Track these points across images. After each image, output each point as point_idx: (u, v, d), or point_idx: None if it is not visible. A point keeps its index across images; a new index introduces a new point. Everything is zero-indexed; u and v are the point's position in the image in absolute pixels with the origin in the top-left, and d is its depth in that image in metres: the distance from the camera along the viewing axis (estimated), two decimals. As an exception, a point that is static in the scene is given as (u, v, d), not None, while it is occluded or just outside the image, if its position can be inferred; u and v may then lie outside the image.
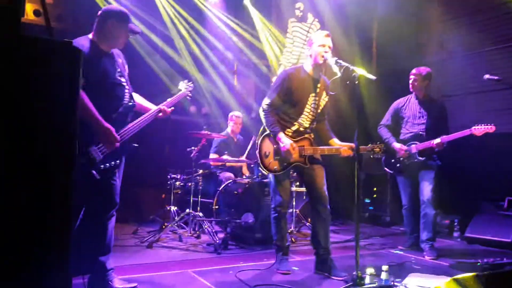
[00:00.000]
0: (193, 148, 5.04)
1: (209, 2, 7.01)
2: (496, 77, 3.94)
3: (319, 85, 3.50)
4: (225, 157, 5.38)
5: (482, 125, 3.96)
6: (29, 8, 5.27)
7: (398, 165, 4.41)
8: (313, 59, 3.43)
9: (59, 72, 1.09)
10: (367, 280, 2.78)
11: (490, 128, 3.94)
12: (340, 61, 3.18)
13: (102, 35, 2.90)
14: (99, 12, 2.95)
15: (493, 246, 4.58)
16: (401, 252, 4.36)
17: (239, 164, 5.67)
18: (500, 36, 5.64)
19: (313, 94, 3.47)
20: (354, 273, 2.78)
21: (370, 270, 2.78)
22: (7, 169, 1.05)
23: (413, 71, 4.40)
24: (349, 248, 4.52)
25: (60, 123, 1.09)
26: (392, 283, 2.88)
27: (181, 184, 5.41)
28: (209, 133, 4.94)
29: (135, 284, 3.01)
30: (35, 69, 1.07)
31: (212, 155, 5.61)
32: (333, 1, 6.80)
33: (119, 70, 3.01)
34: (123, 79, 3.03)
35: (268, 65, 7.33)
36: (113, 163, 2.82)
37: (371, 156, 3.40)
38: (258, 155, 3.53)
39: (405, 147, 4.32)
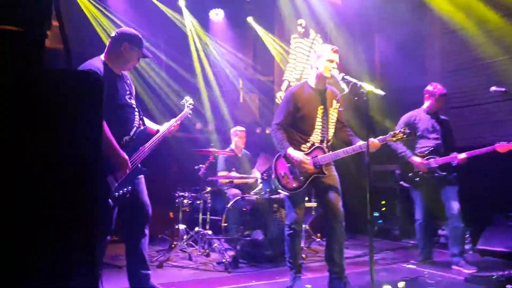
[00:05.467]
0: (201, 165, 5.03)
1: (212, 21, 7.10)
2: (502, 89, 3.93)
3: (326, 96, 3.46)
4: (232, 174, 5.37)
5: (505, 143, 3.95)
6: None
7: (416, 179, 4.33)
8: (319, 72, 3.39)
9: (82, 105, 1.10)
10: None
11: None
12: (348, 77, 3.16)
13: (115, 57, 2.93)
14: (114, 34, 2.98)
15: (505, 258, 4.52)
16: (414, 267, 4.31)
17: (246, 180, 5.64)
18: (505, 47, 5.65)
19: (322, 107, 3.41)
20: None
21: (386, 287, 2.74)
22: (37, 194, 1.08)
23: (440, 89, 4.33)
24: (361, 263, 4.48)
25: (85, 157, 1.10)
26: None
27: (189, 202, 5.39)
28: (216, 150, 4.95)
29: None
30: (57, 103, 1.07)
31: (221, 173, 5.59)
32: (335, 16, 6.87)
33: (128, 92, 3.02)
34: (133, 101, 3.04)
35: (273, 80, 7.38)
36: (125, 189, 2.82)
37: (400, 142, 3.26)
38: (275, 178, 3.48)
39: (425, 161, 4.26)
